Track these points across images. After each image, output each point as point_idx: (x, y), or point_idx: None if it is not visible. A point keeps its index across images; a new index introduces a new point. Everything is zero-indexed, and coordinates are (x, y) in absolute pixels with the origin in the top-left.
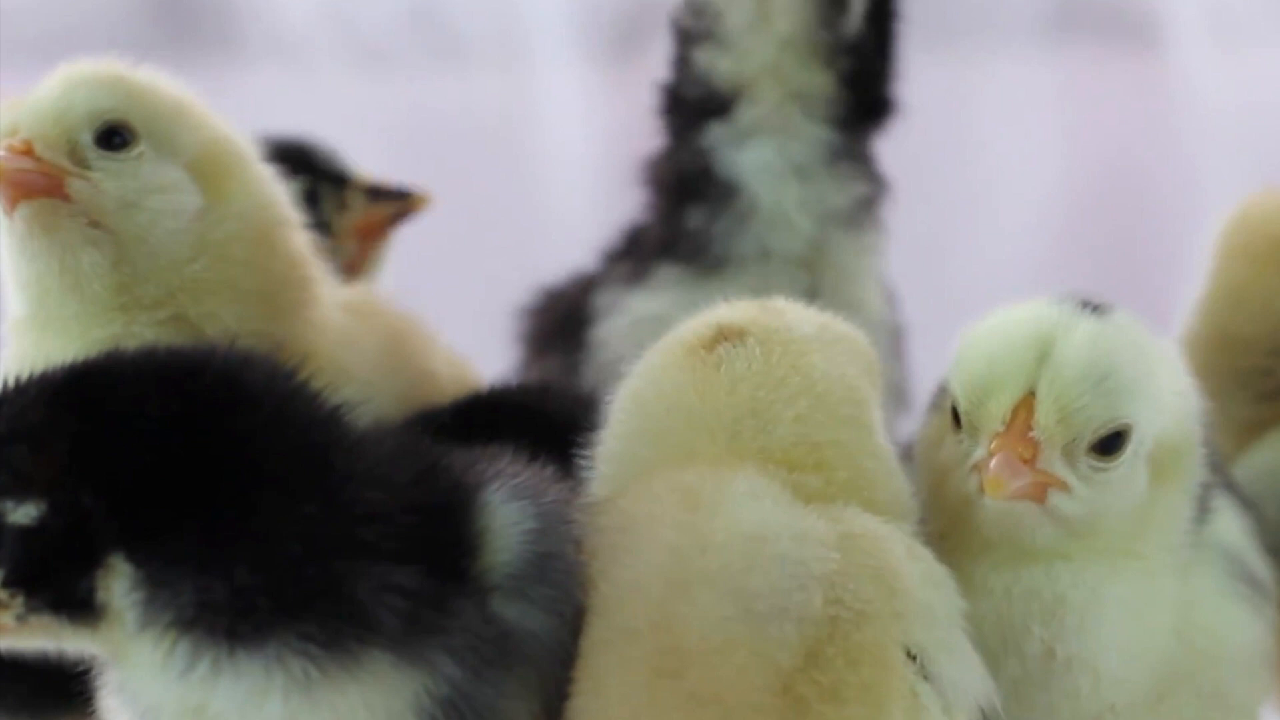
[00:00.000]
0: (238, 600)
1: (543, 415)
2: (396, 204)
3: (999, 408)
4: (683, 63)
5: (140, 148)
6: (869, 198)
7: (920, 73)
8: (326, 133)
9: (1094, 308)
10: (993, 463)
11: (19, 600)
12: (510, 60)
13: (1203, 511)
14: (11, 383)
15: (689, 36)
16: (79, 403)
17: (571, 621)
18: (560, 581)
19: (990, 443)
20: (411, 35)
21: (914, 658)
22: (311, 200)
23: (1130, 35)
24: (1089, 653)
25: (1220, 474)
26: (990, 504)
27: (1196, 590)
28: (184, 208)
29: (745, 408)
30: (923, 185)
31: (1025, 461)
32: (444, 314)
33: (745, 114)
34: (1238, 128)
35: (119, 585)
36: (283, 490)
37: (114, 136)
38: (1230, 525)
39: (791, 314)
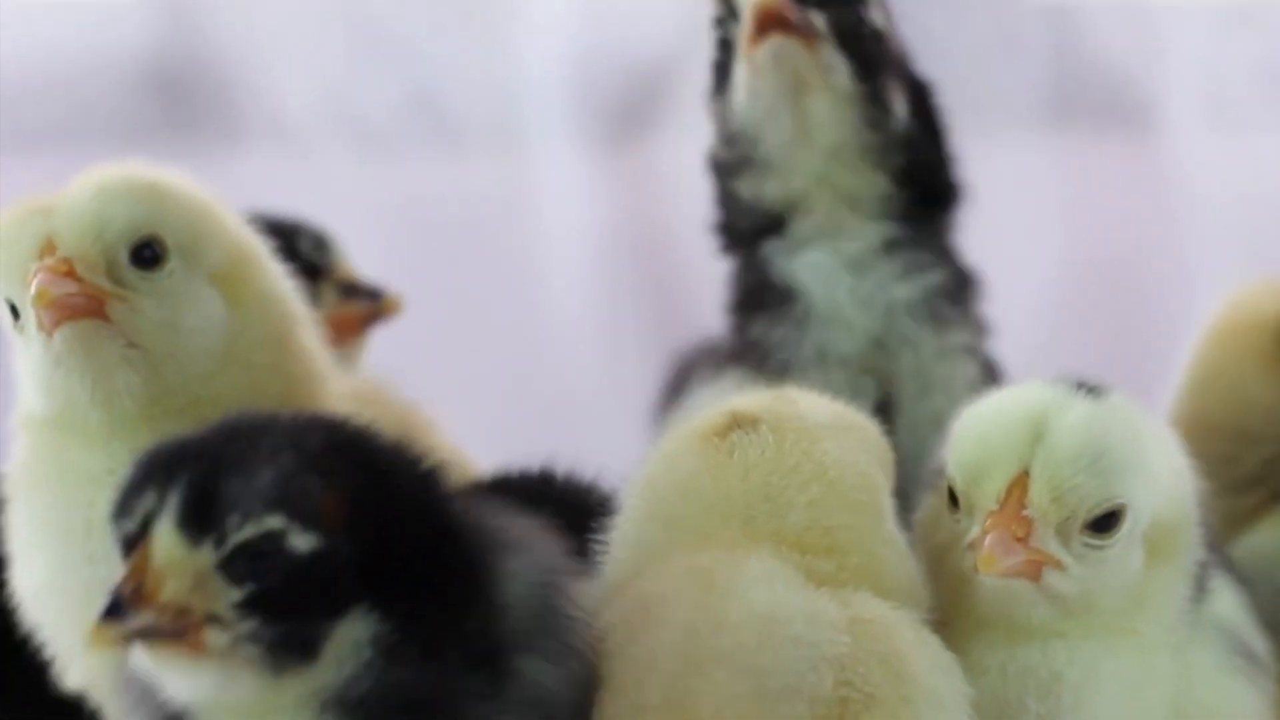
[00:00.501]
0: (442, 685)
1: (547, 503)
2: (369, 305)
3: (993, 487)
4: (728, 197)
5: (172, 263)
6: (945, 288)
7: None
8: (325, 217)
9: (1089, 389)
10: (987, 540)
11: (248, 625)
12: (509, 146)
13: (1201, 590)
14: (264, 421)
15: (728, 169)
16: (357, 455)
17: (582, 680)
18: (567, 635)
19: (985, 521)
20: (411, 121)
21: None
22: None
23: (1127, 121)
24: None
25: (1217, 552)
26: (987, 582)
27: (1194, 665)
28: (214, 323)
29: (758, 493)
30: None
31: (1019, 540)
32: (441, 400)
33: (799, 227)
34: (1233, 213)
35: (353, 636)
36: (481, 577)
37: (146, 250)
38: (1227, 600)
39: (804, 403)
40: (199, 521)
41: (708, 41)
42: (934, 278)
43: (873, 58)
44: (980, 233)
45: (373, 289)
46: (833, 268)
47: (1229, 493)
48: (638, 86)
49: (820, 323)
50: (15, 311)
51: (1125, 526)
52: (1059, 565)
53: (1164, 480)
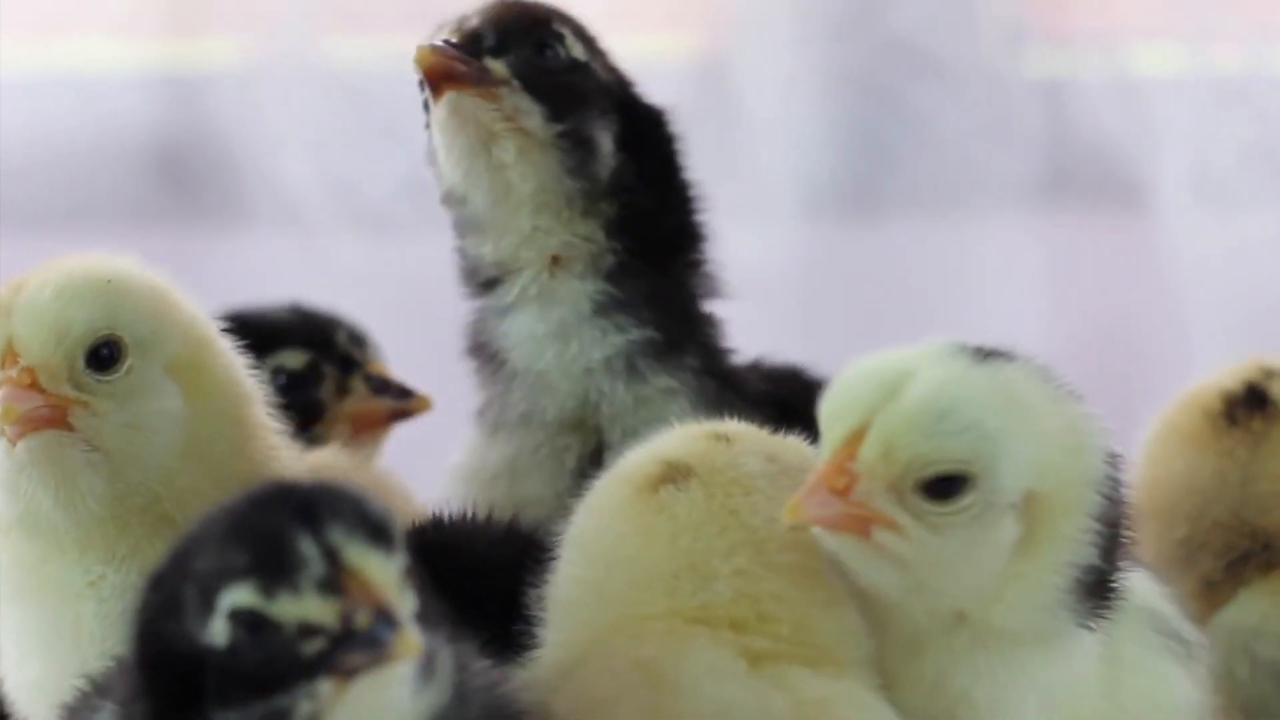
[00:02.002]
0: None
1: (472, 553)
2: (397, 403)
3: (833, 438)
4: (461, 251)
5: (130, 360)
6: (650, 343)
7: (916, 236)
8: (327, 296)
9: (987, 355)
10: (801, 490)
11: None
12: None
13: (1093, 598)
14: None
15: (455, 228)
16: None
17: None
18: None
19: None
20: (412, 201)
21: None
22: (312, 376)
23: (1119, 199)
24: None
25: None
26: (824, 540)
27: (1123, 653)
28: (174, 417)
29: (684, 561)
30: (922, 337)
31: (837, 491)
32: (434, 471)
33: (511, 288)
34: (1224, 292)
35: None
36: None
37: (104, 350)
38: (1146, 587)
39: (741, 444)
40: None
41: (703, 123)
42: (637, 336)
43: (569, 95)
44: (973, 309)
45: (403, 387)
46: (538, 336)
47: (1187, 567)
48: None
49: (525, 389)
50: None
51: (973, 494)
52: (891, 524)
53: (1050, 457)
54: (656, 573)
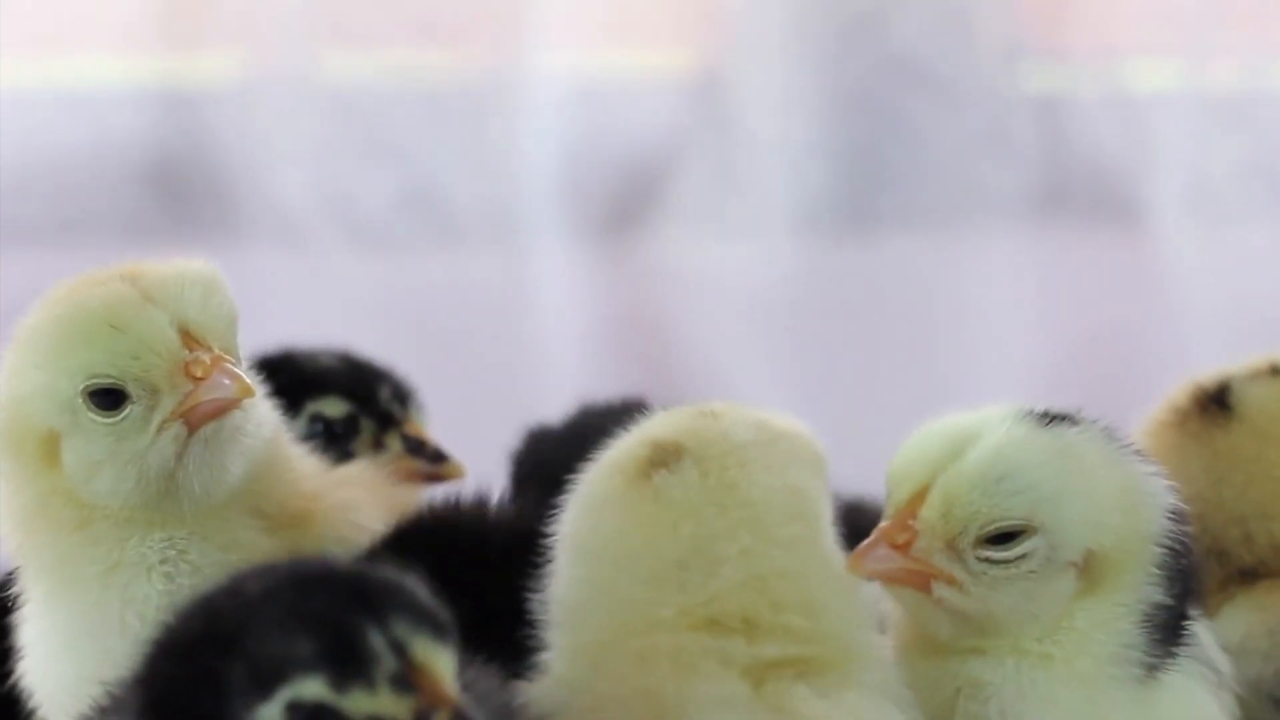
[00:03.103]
0: None
1: (476, 536)
2: (430, 466)
3: (899, 497)
4: None
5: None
6: None
7: (913, 251)
8: (323, 311)
9: (1052, 419)
10: (861, 545)
11: None
12: (503, 241)
13: (1163, 636)
14: None
15: None
16: None
17: None
18: None
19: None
20: (407, 216)
21: None
22: (350, 428)
23: (1115, 214)
24: None
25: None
26: (887, 591)
27: (1160, 675)
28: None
29: (689, 548)
30: (917, 357)
31: (897, 548)
32: (437, 492)
33: None
34: (1220, 306)
35: None
36: None
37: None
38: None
39: (729, 417)
40: None
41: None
42: None
43: None
44: (970, 325)
45: (438, 450)
46: None
47: None
48: (630, 183)
49: None
50: (112, 394)
51: (1031, 549)
52: (950, 580)
53: (1107, 516)
54: (664, 566)
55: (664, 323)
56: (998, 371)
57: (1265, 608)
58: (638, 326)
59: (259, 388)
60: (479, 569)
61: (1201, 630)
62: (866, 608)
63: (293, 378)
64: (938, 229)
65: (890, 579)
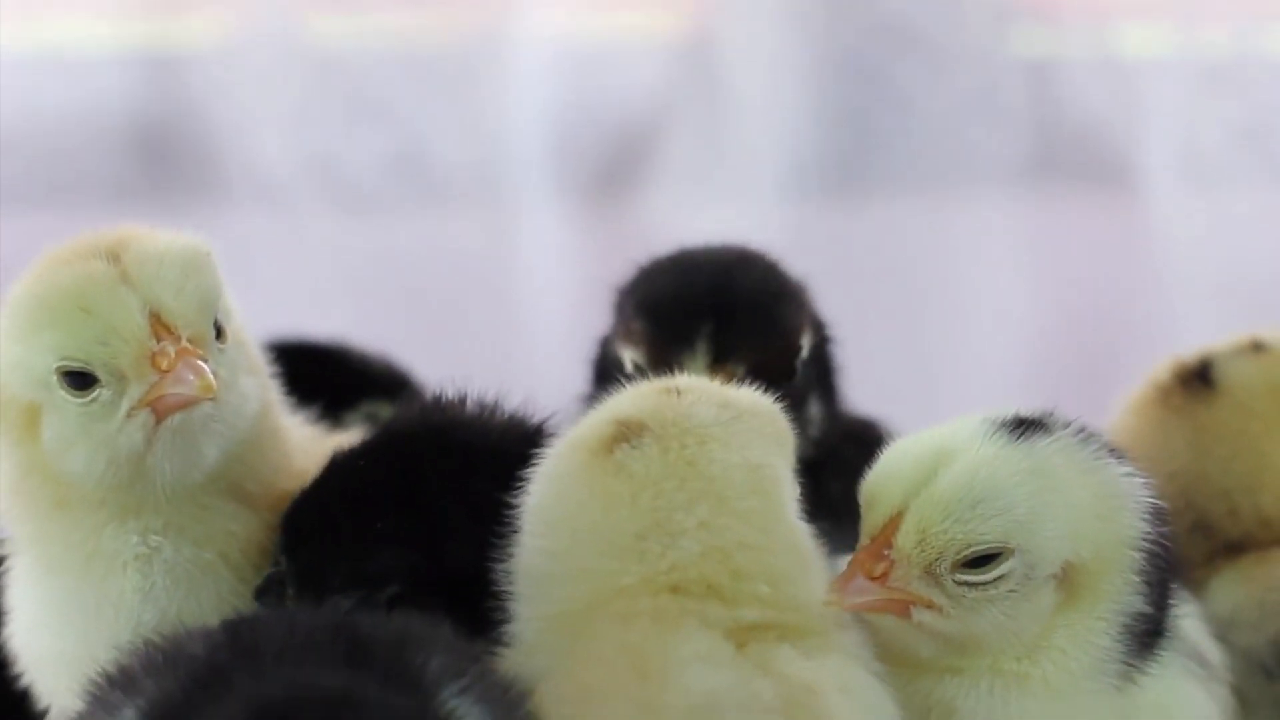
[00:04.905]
0: None
1: (478, 432)
2: None
3: (874, 521)
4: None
5: (228, 329)
6: None
7: (902, 215)
8: (309, 273)
9: (1025, 427)
10: (839, 577)
11: None
12: (491, 203)
13: (1141, 645)
14: None
15: None
16: None
17: None
18: None
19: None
20: (394, 178)
21: None
22: None
23: (1105, 177)
24: None
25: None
26: (865, 617)
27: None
28: (256, 385)
29: (648, 520)
30: (906, 321)
31: (874, 579)
32: None
33: None
34: (1210, 269)
35: None
36: None
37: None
38: (1181, 612)
39: (692, 395)
40: None
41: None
42: None
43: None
44: (959, 288)
45: None
46: None
47: None
48: (618, 145)
49: None
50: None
51: (1009, 570)
52: (929, 604)
53: (1084, 526)
54: (623, 537)
55: None
56: (987, 336)
57: (1252, 580)
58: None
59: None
60: (484, 452)
61: (1189, 622)
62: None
63: (347, 374)
64: (927, 193)
65: (871, 610)
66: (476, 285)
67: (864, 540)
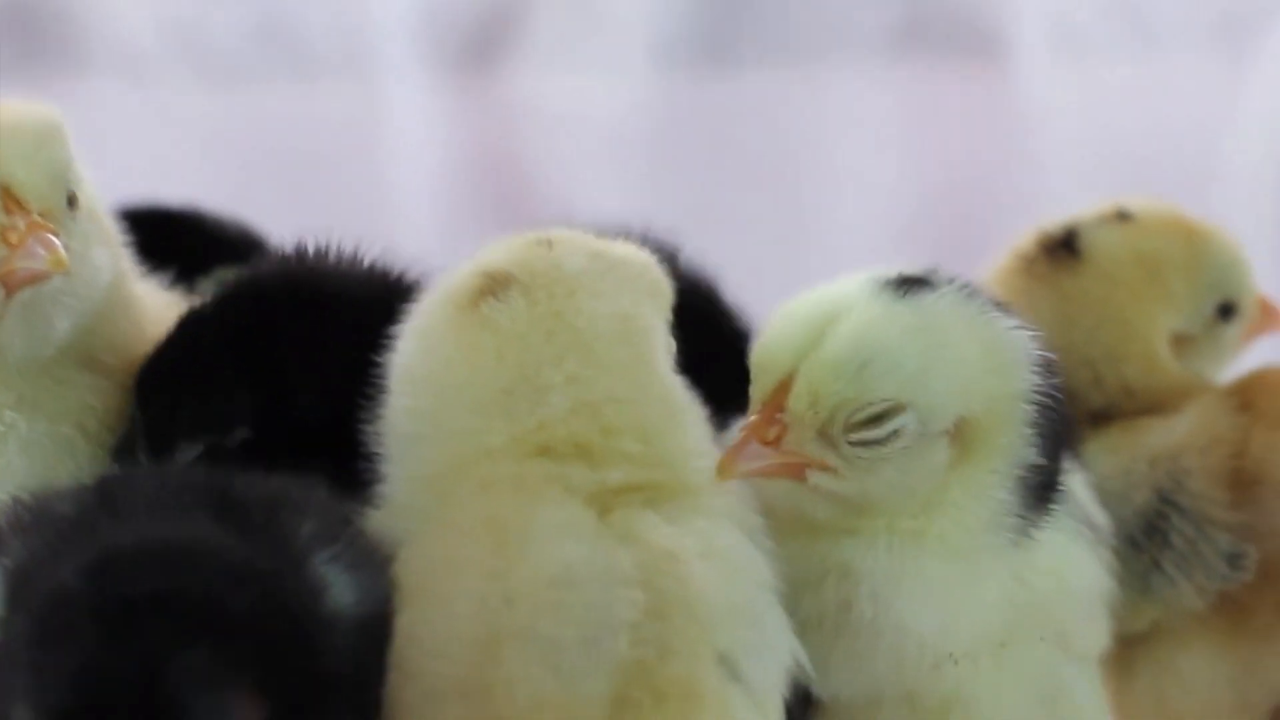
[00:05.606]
0: None
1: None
2: None
3: (763, 387)
4: None
5: (81, 199)
6: None
7: (771, 86)
8: (172, 146)
9: (908, 287)
10: (729, 445)
11: None
12: (356, 74)
13: (1037, 496)
14: None
15: None
16: None
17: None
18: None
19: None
20: (258, 49)
21: (724, 664)
22: None
23: (974, 49)
24: (893, 617)
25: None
26: (760, 481)
27: (1034, 533)
28: (109, 254)
29: (514, 374)
30: (777, 192)
31: (768, 443)
32: None
33: None
34: (1079, 142)
35: None
36: None
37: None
38: (1070, 467)
39: (563, 246)
40: None
41: None
42: None
43: None
44: (829, 160)
45: None
46: None
47: None
48: (486, 15)
49: None
50: None
51: (901, 427)
52: (824, 466)
53: (976, 381)
54: (489, 394)
55: (521, 156)
56: (857, 207)
57: (1118, 450)
58: (494, 160)
59: (101, 249)
60: (346, 303)
61: (1078, 486)
62: (705, 434)
63: (201, 239)
64: (799, 64)
65: (766, 475)
66: (342, 156)
67: (755, 406)
